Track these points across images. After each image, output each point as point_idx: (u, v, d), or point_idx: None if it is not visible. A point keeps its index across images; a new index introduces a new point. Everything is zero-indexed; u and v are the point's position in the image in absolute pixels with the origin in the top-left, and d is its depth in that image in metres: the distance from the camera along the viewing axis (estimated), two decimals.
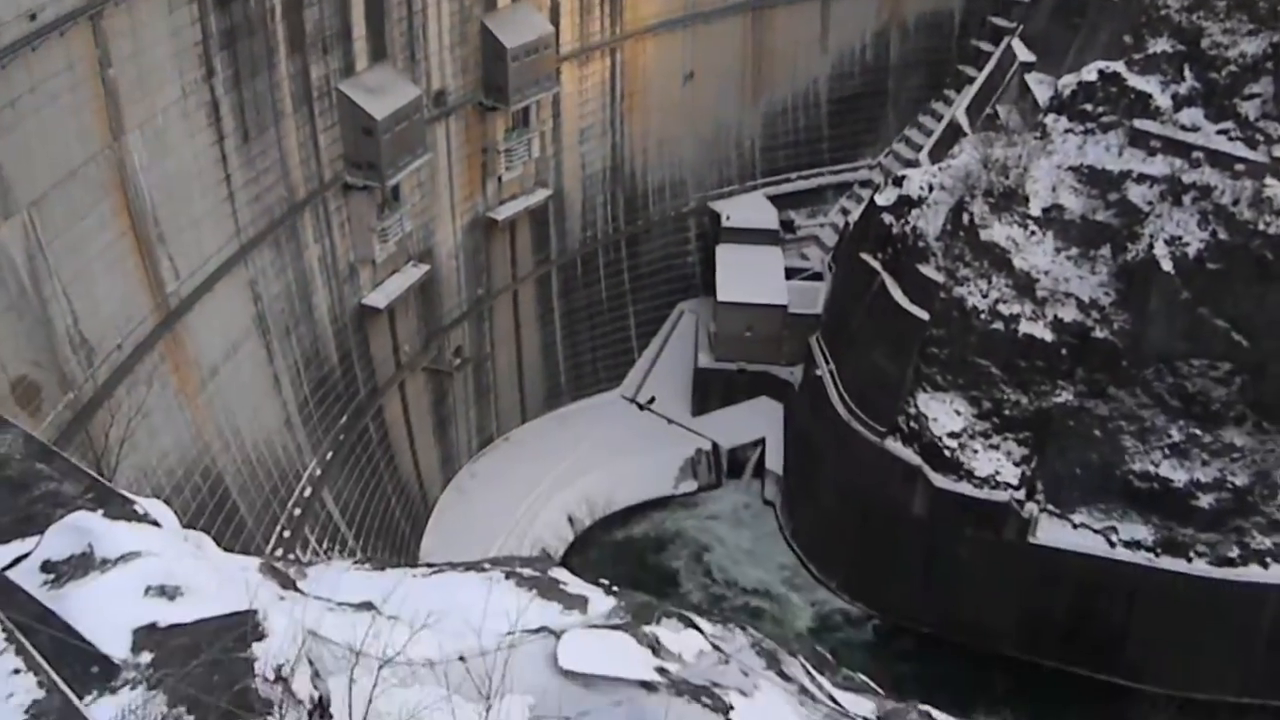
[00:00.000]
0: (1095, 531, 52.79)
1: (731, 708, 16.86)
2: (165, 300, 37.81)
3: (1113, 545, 52.36)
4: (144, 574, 13.06)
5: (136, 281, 36.20)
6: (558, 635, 17.31)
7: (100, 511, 14.35)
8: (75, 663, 11.45)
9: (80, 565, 13.00)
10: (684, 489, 64.42)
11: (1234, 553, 51.32)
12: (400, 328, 55.37)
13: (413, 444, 58.54)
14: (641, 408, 67.85)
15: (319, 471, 47.40)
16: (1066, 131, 55.15)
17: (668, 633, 18.43)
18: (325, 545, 46.55)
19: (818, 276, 68.25)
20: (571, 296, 67.16)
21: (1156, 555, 51.92)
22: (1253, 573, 50.79)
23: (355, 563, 20.48)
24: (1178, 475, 51.48)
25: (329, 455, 49.30)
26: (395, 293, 52.05)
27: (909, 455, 55.07)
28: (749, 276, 65.92)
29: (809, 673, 19.57)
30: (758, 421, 65.70)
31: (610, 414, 67.24)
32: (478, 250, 60.24)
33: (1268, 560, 51.07)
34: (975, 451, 54.36)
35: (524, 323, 65.22)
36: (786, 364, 66.03)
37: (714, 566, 60.33)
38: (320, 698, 12.50)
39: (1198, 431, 51.14)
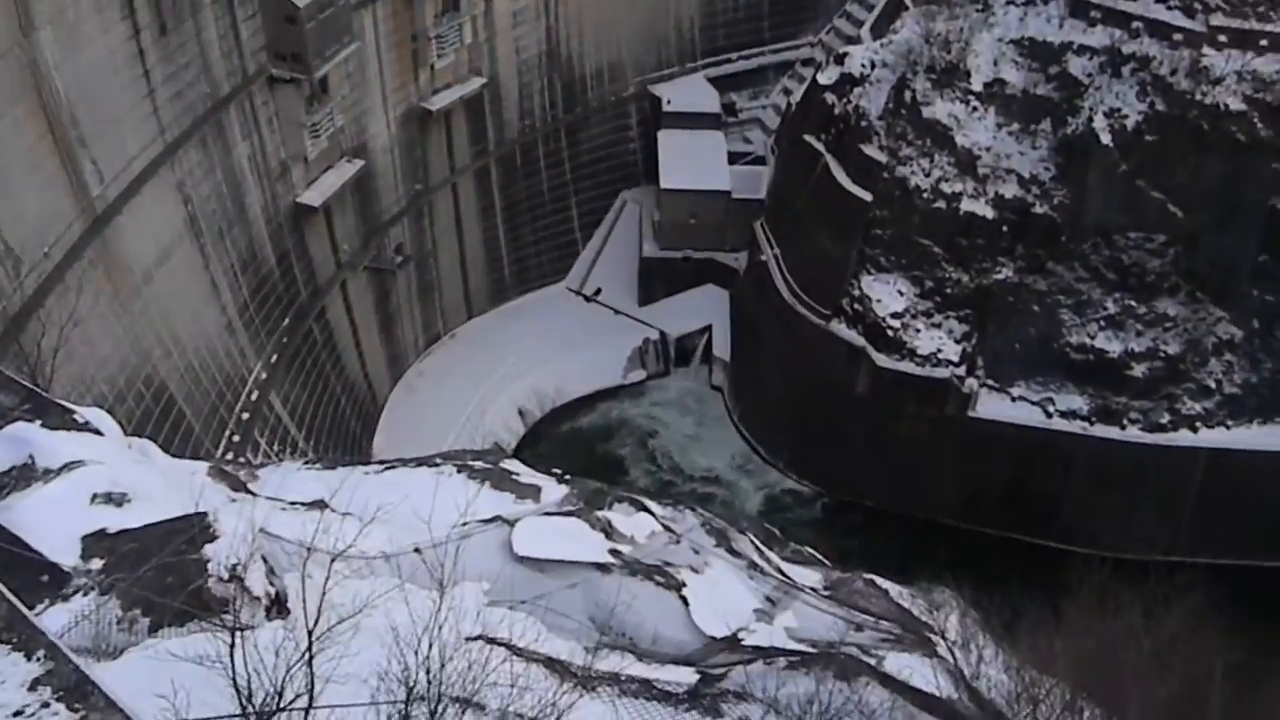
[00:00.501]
0: (1033, 403, 54.04)
1: (684, 584, 17.46)
2: (91, 204, 36.77)
3: (1049, 416, 53.69)
4: (89, 482, 13.03)
5: (59, 186, 35.13)
6: (511, 524, 17.68)
7: (39, 422, 14.21)
8: (24, 573, 11.38)
9: (22, 476, 12.93)
10: (632, 378, 64.78)
11: (1165, 419, 52.69)
12: (338, 226, 54.30)
13: (359, 344, 58.06)
14: (588, 299, 67.70)
15: (265, 375, 47.06)
16: (1008, 3, 54.57)
17: (620, 517, 18.90)
18: (276, 448, 46.46)
19: (760, 160, 67.60)
20: (512, 189, 66.06)
21: (1091, 424, 53.35)
22: (1183, 437, 52.16)
23: (306, 463, 20.72)
24: (1113, 346, 52.59)
25: (274, 358, 48.78)
26: (330, 190, 51.02)
27: (853, 337, 55.62)
28: (691, 162, 65.18)
29: (758, 549, 20.19)
30: (704, 309, 65.79)
31: (557, 307, 66.98)
32: (413, 143, 58.82)
33: (1197, 425, 52.64)
34: (918, 331, 54.92)
35: (465, 217, 64.22)
36: (731, 250, 65.85)
37: (663, 453, 61.05)
38: (276, 593, 12.70)
39: (1133, 303, 52.10)
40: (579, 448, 60.49)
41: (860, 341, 55.23)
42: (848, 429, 57.04)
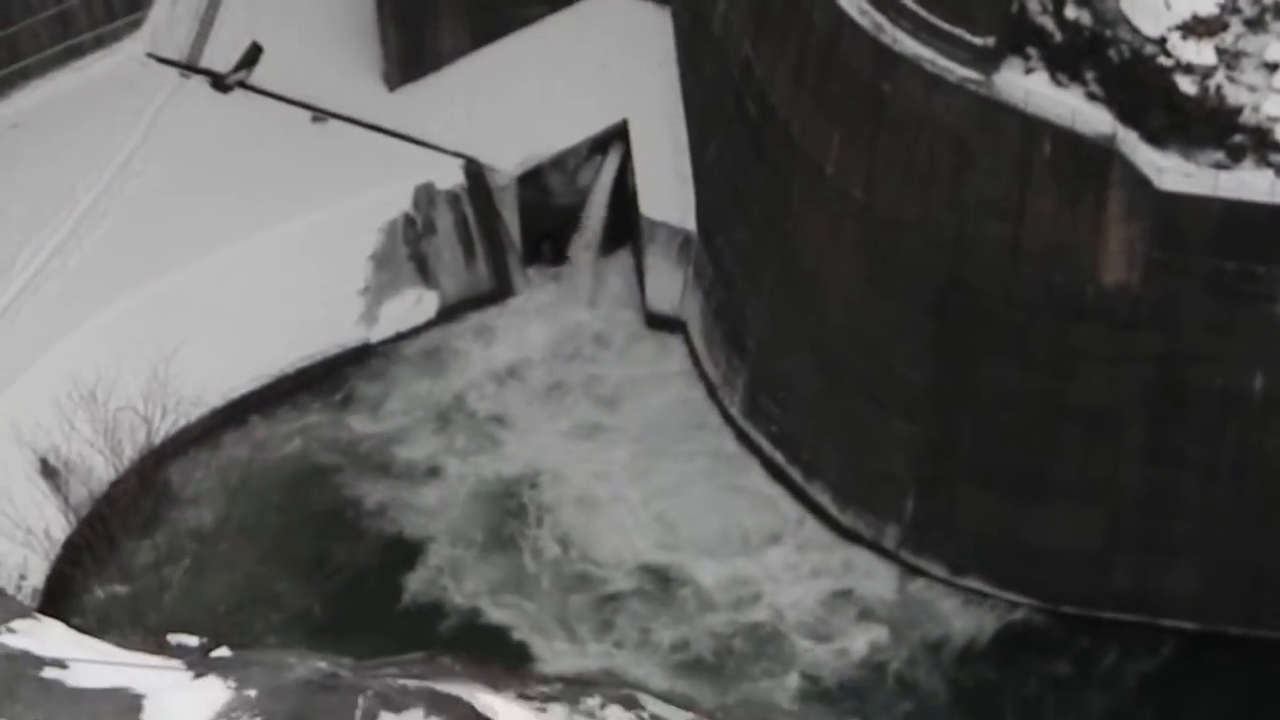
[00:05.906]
0: None
1: None
2: None
3: None
4: None
5: None
6: None
7: None
8: None
9: None
10: (392, 324, 66.36)
11: None
12: None
13: None
14: (221, 86, 68.33)
15: None
16: None
17: None
18: None
19: None
20: None
21: None
22: None
23: None
24: None
25: None
26: None
27: (1076, 108, 56.82)
28: None
29: None
30: (591, 78, 67.05)
31: (126, 117, 68.75)
32: None
33: None
34: (1272, 68, 56.53)
35: None
36: None
37: (528, 533, 64.10)
38: None
39: None
40: (264, 553, 57.86)
41: (1102, 123, 56.38)
42: (1083, 410, 59.33)
